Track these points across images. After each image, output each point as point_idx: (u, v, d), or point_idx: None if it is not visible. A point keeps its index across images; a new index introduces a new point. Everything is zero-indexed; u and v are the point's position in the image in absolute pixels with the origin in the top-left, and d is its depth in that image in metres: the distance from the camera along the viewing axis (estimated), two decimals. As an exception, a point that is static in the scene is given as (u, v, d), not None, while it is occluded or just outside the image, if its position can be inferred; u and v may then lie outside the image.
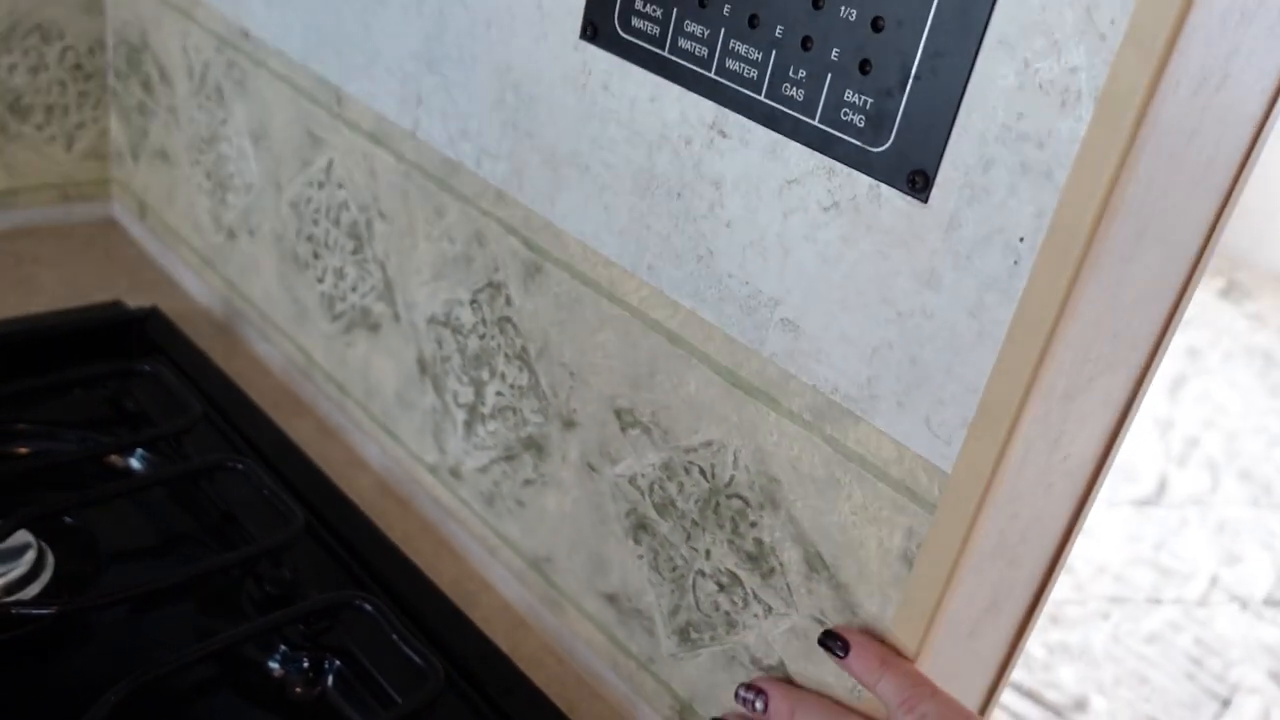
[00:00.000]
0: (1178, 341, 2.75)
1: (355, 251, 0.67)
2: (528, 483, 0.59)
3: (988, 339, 0.38)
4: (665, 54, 0.45)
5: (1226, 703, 1.54)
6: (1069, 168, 0.35)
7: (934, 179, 0.38)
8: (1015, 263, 0.37)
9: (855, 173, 0.40)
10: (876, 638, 0.44)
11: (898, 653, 0.43)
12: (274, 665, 0.56)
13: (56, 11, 0.83)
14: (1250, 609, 1.78)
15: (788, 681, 0.48)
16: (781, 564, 0.47)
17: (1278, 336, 2.90)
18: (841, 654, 0.44)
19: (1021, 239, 0.36)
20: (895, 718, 0.42)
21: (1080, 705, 1.52)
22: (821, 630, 0.45)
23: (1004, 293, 0.37)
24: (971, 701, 0.55)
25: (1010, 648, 0.55)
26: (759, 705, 0.48)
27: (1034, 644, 1.61)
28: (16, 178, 0.86)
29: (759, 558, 0.48)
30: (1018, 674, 1.57)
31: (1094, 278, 0.37)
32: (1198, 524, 2.00)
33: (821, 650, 0.44)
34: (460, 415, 0.62)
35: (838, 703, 0.46)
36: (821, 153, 0.41)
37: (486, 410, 0.60)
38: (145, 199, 0.88)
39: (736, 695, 0.48)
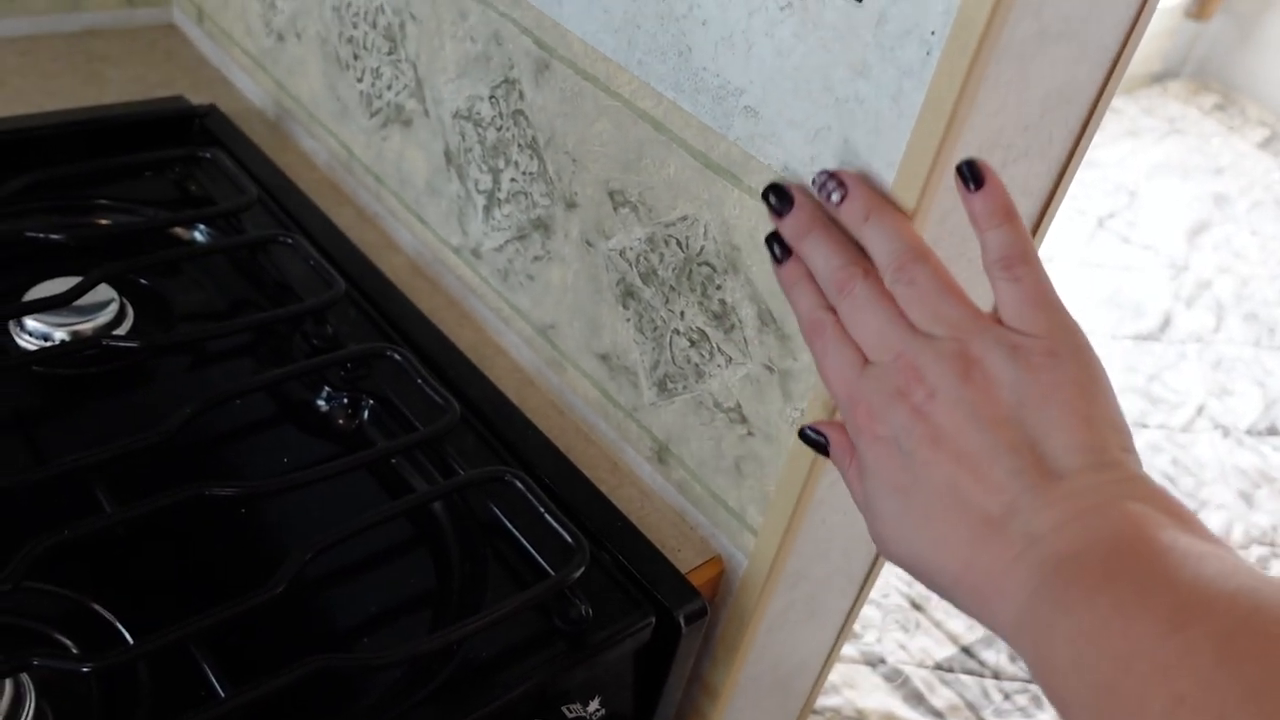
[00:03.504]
0: (1205, 188, 2.75)
1: (390, 52, 0.74)
2: (536, 259, 0.67)
3: (904, 120, 0.45)
4: None
5: (1194, 515, 1.64)
6: (971, -30, 0.41)
7: (867, -19, 0.44)
8: (928, 53, 0.43)
9: (805, -24, 0.47)
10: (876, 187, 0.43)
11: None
12: (320, 403, 0.66)
13: None
14: (1232, 436, 1.86)
15: (870, 185, 0.47)
16: (740, 320, 0.56)
17: (1315, 190, 2.88)
18: (838, 199, 0.44)
19: (933, 32, 0.43)
20: (885, 278, 0.42)
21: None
22: (820, 171, 0.45)
23: (919, 80, 0.44)
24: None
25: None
26: (835, 198, 0.46)
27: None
28: (84, -19, 0.94)
29: (722, 316, 0.56)
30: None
31: (993, 70, 0.43)
32: (1195, 359, 2.07)
33: (770, 389, 0.53)
34: (480, 201, 0.70)
35: (911, 228, 0.45)
36: (779, -42, 0.47)
37: (502, 195, 0.68)
38: (202, 5, 0.95)
39: (814, 181, 0.47)
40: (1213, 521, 1.64)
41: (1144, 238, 2.48)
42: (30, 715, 0.46)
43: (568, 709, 0.55)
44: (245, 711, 0.46)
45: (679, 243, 0.57)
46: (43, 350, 0.62)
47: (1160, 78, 3.43)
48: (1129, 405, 1.91)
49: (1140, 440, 1.81)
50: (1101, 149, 2.87)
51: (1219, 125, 3.13)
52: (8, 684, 0.46)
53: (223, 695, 0.47)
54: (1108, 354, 2.04)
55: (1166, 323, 2.16)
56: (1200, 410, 1.92)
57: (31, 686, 0.47)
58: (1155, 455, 1.77)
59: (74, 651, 0.49)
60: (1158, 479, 1.65)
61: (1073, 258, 2.35)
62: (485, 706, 0.51)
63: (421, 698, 0.51)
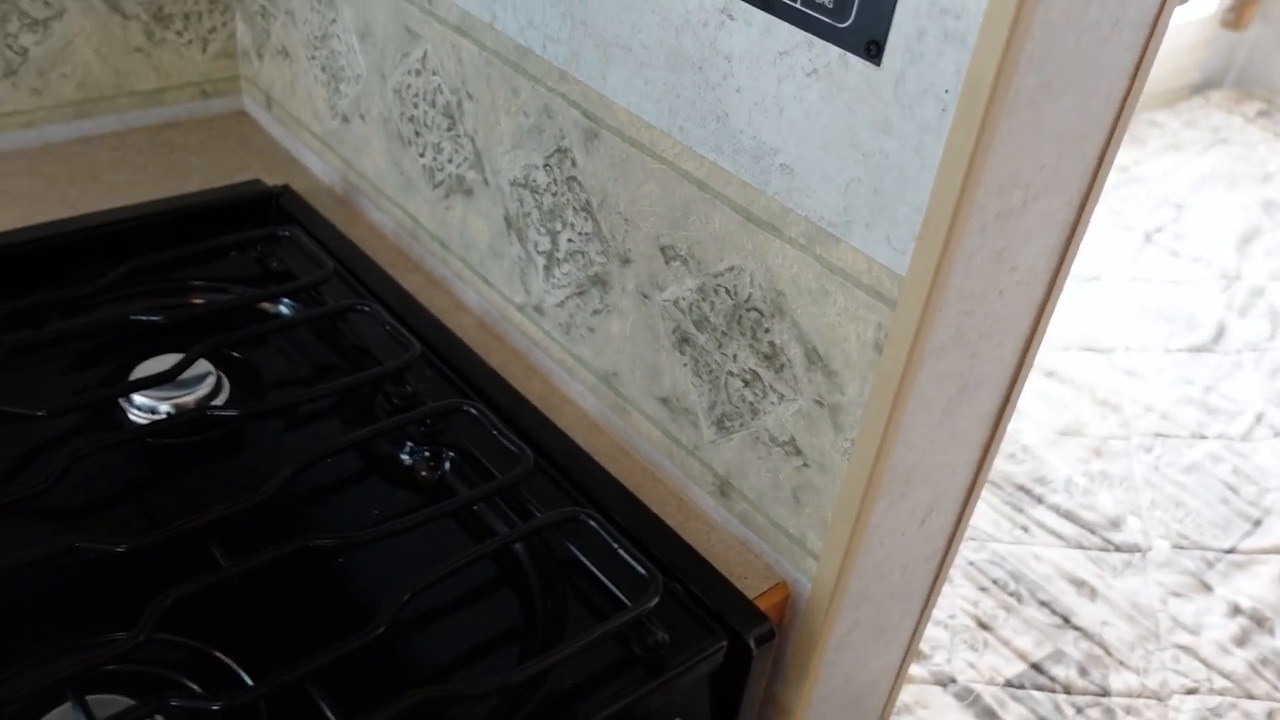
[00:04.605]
0: (1253, 196, 2.73)
1: (449, 129, 0.80)
2: (596, 312, 0.72)
3: (927, 170, 0.49)
4: (685, -46, 0.56)
5: (1258, 523, 1.63)
6: (977, 33, 0.45)
7: (884, 47, 0.49)
8: (943, 110, 0.48)
9: (828, 44, 0.51)
10: None
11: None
12: (404, 457, 0.71)
13: (187, -69, 0.96)
14: (1293, 443, 1.86)
15: None
16: (789, 360, 0.60)
17: (1367, 192, 2.85)
18: None
19: (947, 91, 0.47)
20: None
21: (1115, 524, 1.64)
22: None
23: (937, 134, 0.48)
24: (961, 477, 0.67)
25: (990, 432, 0.67)
26: None
27: (1075, 472, 1.73)
28: (163, 78, 1.01)
29: (772, 356, 0.61)
30: (1057, 497, 1.69)
31: (1005, 119, 0.48)
32: (1251, 368, 2.07)
33: (821, 422, 0.57)
34: (540, 261, 0.76)
35: None
36: (803, 29, 0.52)
37: (561, 255, 0.73)
38: (270, 92, 1.02)
39: None
40: (1278, 530, 1.64)
41: (1193, 250, 2.47)
42: (168, 753, 0.51)
43: (650, 730, 0.58)
44: (358, 741, 0.51)
45: (728, 291, 0.62)
46: (154, 424, 0.68)
47: (1200, 89, 3.42)
48: (1185, 417, 1.91)
49: (1199, 451, 1.81)
50: (1145, 163, 2.87)
51: (1264, 131, 3.11)
52: (147, 725, 0.51)
53: (337, 728, 0.52)
54: (1162, 366, 2.04)
55: (1221, 333, 2.16)
56: (1260, 418, 1.92)
57: (167, 727, 0.52)
58: (1216, 465, 1.77)
59: (202, 694, 0.54)
60: (1219, 489, 1.64)
61: (1121, 274, 2.35)
62: (573, 730, 0.55)
63: (515, 724, 0.55)
